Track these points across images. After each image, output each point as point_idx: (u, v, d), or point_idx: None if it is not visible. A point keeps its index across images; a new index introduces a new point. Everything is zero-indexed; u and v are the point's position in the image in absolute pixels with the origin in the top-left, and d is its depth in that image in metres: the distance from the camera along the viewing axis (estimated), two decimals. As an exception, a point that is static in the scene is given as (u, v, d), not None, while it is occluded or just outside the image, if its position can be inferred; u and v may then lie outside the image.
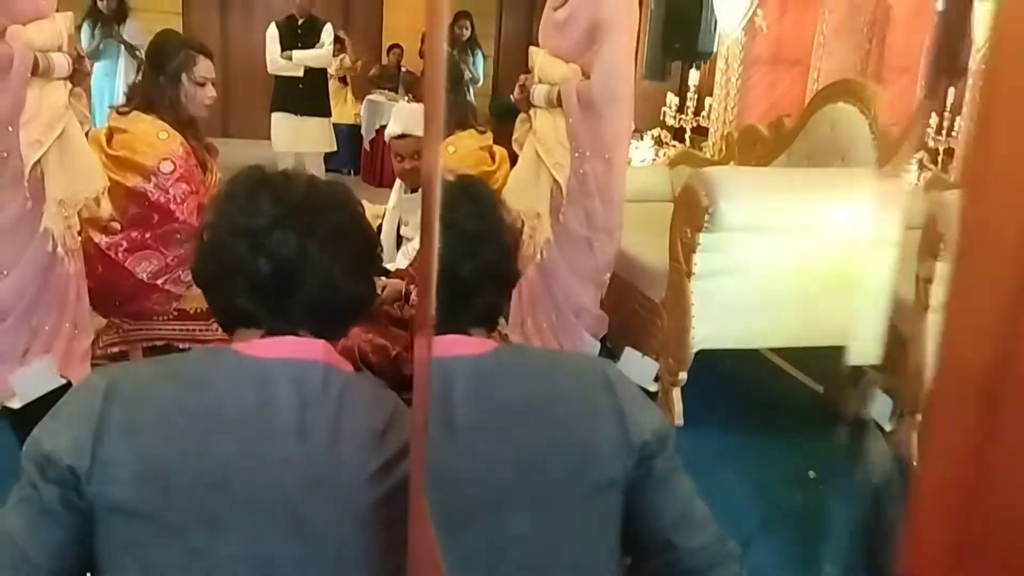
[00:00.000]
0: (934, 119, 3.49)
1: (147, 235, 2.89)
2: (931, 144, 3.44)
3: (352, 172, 7.89)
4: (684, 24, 5.59)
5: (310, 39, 5.60)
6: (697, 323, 2.74)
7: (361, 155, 7.87)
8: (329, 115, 5.95)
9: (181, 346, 3.07)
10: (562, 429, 1.09)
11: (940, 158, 3.56)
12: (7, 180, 2.26)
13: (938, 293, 2.28)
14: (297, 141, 5.71)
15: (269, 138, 5.75)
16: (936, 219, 2.28)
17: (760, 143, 3.49)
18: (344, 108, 7.74)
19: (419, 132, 3.65)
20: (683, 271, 2.74)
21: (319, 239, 1.08)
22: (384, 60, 8.56)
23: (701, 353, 2.80)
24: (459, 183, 1.31)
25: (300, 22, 5.60)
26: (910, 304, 2.33)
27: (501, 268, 1.23)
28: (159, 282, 2.93)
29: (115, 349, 2.97)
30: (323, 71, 5.82)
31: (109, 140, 2.88)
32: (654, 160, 4.68)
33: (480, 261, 1.18)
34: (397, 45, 8.51)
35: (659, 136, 4.80)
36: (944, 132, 3.47)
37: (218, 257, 1.10)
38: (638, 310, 3.03)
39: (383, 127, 7.46)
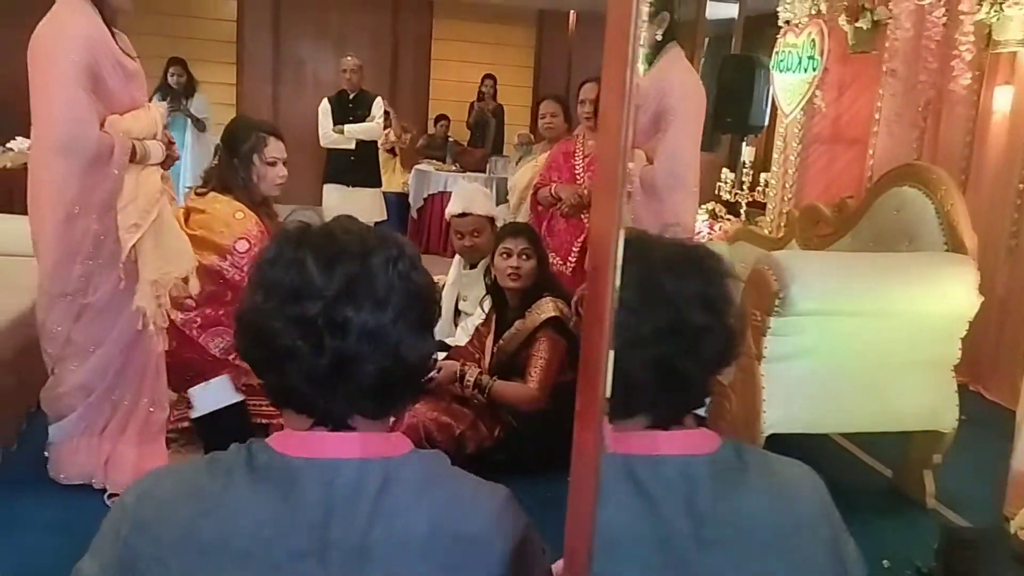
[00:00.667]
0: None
1: (220, 312, 2.94)
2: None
3: (399, 239, 8.00)
4: (736, 99, 5.66)
5: (361, 113, 5.75)
6: (768, 407, 2.71)
7: (409, 222, 7.98)
8: (380, 185, 6.08)
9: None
10: (797, 556, 1.02)
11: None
12: (104, 261, 2.33)
13: None
14: (350, 211, 5.75)
15: (319, 204, 5.86)
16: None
17: (823, 223, 3.49)
18: (393, 177, 7.89)
19: (478, 210, 3.72)
20: (753, 354, 2.72)
21: (379, 310, 0.96)
22: (431, 130, 8.74)
23: (771, 437, 2.77)
24: (687, 251, 1.12)
25: (351, 97, 5.76)
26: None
27: (728, 356, 1.09)
28: (231, 358, 2.97)
29: (186, 423, 3.01)
30: (373, 143, 5.96)
31: (187, 219, 2.96)
32: (708, 234, 4.70)
33: (707, 354, 1.06)
34: (444, 116, 8.70)
35: (713, 210, 4.82)
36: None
37: (267, 343, 0.97)
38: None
39: (431, 195, 7.61)
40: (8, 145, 5.79)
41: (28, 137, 5.76)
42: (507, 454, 2.95)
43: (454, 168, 7.89)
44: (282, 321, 0.95)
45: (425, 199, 7.67)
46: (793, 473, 1.12)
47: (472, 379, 2.97)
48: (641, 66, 3.01)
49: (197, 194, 3.06)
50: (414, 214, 7.84)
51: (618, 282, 0.76)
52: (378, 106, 5.82)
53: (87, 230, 2.33)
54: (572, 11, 9.52)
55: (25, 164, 5.30)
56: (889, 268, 2.79)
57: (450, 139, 8.52)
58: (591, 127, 3.96)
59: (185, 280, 2.55)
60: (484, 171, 7.86)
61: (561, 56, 9.74)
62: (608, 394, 0.77)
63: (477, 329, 3.45)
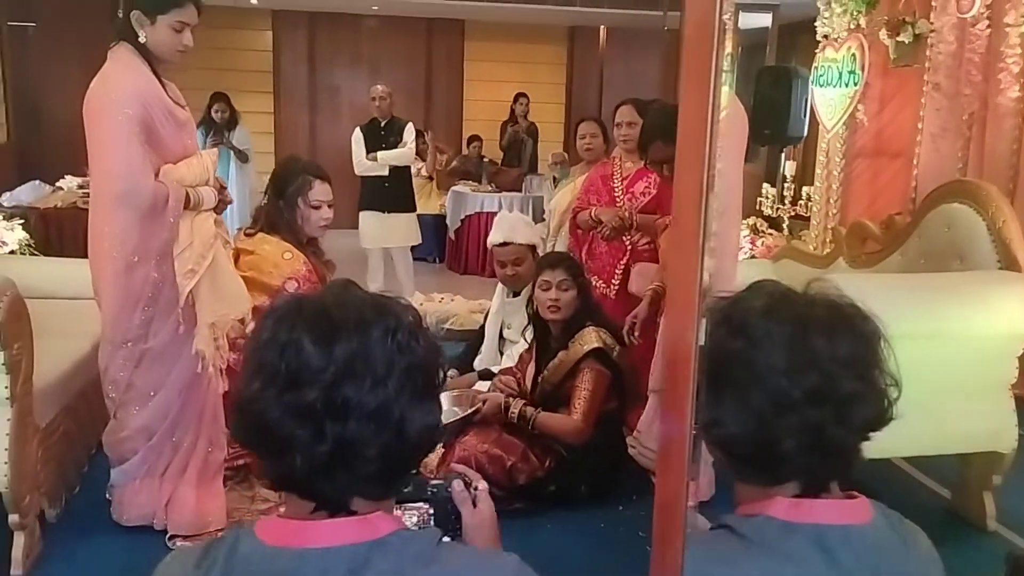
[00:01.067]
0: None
1: (272, 351, 2.98)
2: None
3: (437, 260, 8.05)
4: (774, 110, 5.62)
5: (393, 139, 5.80)
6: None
7: (446, 244, 8.03)
8: (414, 210, 6.11)
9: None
10: None
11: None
12: (162, 307, 2.38)
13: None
14: (385, 237, 5.87)
15: (355, 227, 5.91)
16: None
17: (871, 240, 3.45)
18: (429, 200, 7.96)
19: (519, 239, 3.73)
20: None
21: (379, 387, 0.92)
22: (465, 151, 8.79)
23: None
24: (838, 311, 1.07)
25: (382, 124, 5.82)
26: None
27: (881, 422, 1.06)
28: None
29: (240, 462, 3.05)
30: (407, 168, 6.01)
31: (237, 261, 3.01)
32: (751, 249, 4.66)
33: (858, 420, 1.03)
34: (476, 137, 8.76)
35: (755, 224, 4.79)
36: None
37: (265, 432, 0.94)
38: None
39: (467, 216, 7.66)
40: (58, 184, 5.93)
41: (76, 176, 5.94)
42: (558, 485, 2.95)
43: (490, 188, 7.93)
44: (280, 410, 0.92)
45: (462, 220, 7.72)
46: (924, 540, 1.12)
47: (516, 411, 2.98)
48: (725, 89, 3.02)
49: (246, 235, 3.11)
50: (452, 235, 7.89)
51: (701, 339, 0.75)
52: (409, 131, 5.87)
53: (146, 278, 2.39)
54: (602, 26, 9.54)
55: (74, 203, 5.47)
56: (942, 288, 2.75)
57: (485, 159, 8.56)
58: (628, 149, 3.96)
59: (242, 321, 2.59)
60: (520, 190, 7.89)
61: (593, 71, 9.76)
62: (693, 477, 0.77)
63: (521, 356, 3.46)
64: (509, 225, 3.74)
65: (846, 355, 1.01)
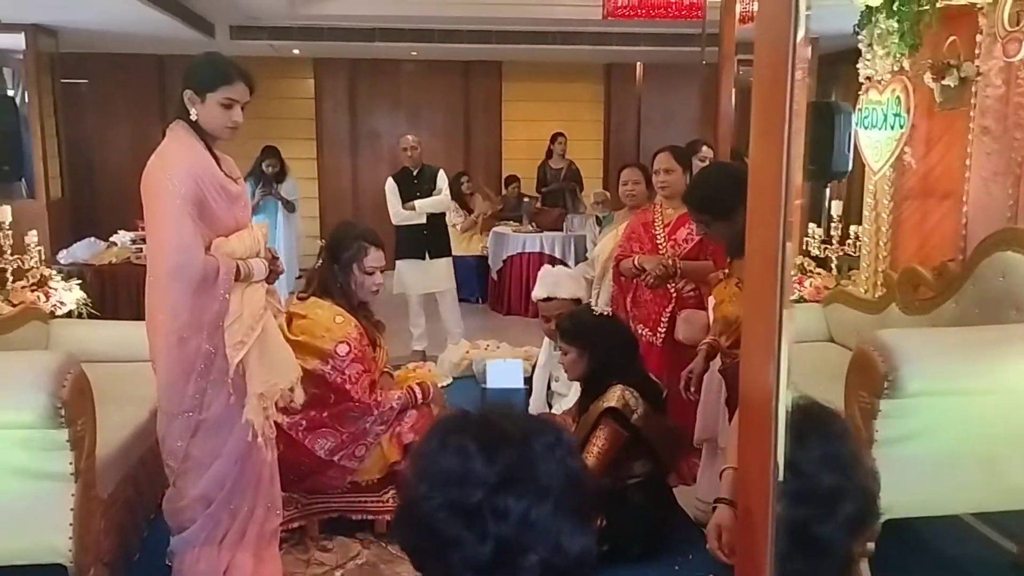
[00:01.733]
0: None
1: (324, 414, 3.03)
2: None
3: (480, 301, 8.08)
4: (817, 145, 5.58)
5: (427, 187, 5.87)
6: (883, 492, 2.62)
7: (489, 284, 8.07)
8: (451, 254, 6.17)
9: (354, 517, 3.16)
10: None
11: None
12: (214, 378, 2.43)
13: None
14: (426, 283, 5.93)
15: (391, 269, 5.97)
16: None
17: (923, 286, 3.40)
18: (471, 242, 8.02)
19: (563, 294, 3.74)
20: (863, 437, 2.65)
21: (540, 498, 0.97)
22: (503, 192, 8.85)
23: (889, 520, 2.68)
24: (803, 411, 1.09)
25: (414, 172, 5.89)
26: None
27: (868, 517, 1.09)
28: (335, 458, 3.05)
29: (295, 524, 3.08)
30: (442, 214, 6.08)
31: (289, 324, 3.07)
32: (799, 290, 4.61)
33: (842, 517, 1.05)
34: (515, 177, 8.82)
35: (802, 264, 4.74)
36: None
37: (430, 532, 0.98)
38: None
39: (509, 257, 7.70)
40: (111, 240, 6.08)
41: (129, 231, 6.09)
42: (610, 544, 2.93)
43: (531, 228, 7.96)
44: (446, 510, 0.97)
45: (504, 261, 7.75)
46: None
47: None
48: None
49: (299, 299, 3.17)
50: (494, 276, 7.93)
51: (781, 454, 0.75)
52: (442, 178, 5.94)
53: (198, 349, 2.43)
54: (639, 63, 9.58)
55: (128, 259, 5.60)
56: (1001, 342, 2.69)
57: (526, 199, 8.60)
58: (667, 196, 3.97)
59: (291, 391, 2.63)
60: (561, 230, 7.92)
61: (630, 107, 9.80)
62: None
63: (566, 412, 3.47)
64: (552, 280, 3.76)
65: (818, 454, 1.04)
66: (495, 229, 8.00)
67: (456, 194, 8.16)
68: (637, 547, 2.98)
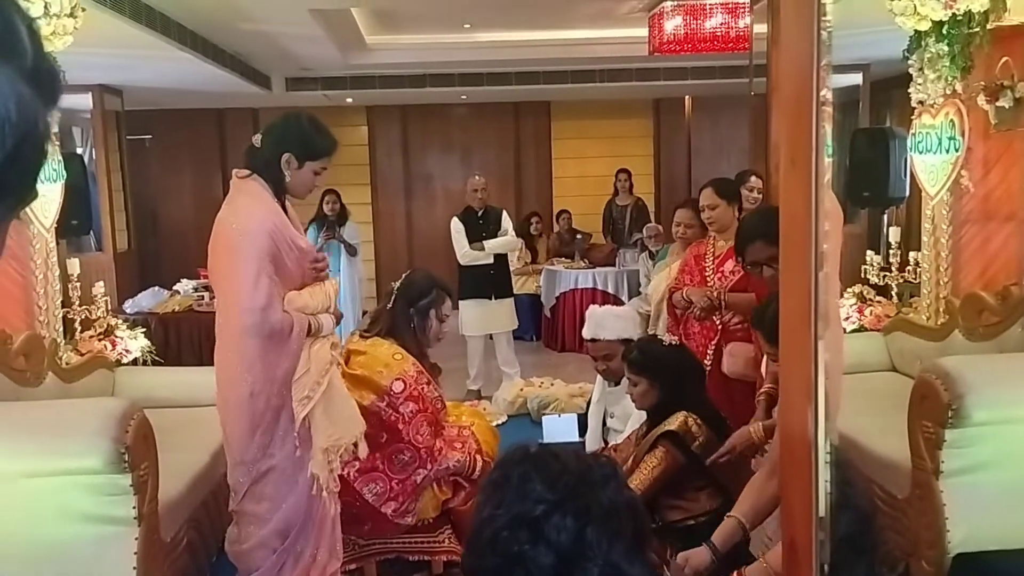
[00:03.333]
0: None
1: (376, 455, 3.03)
2: None
3: (534, 338, 8.08)
4: (872, 171, 5.50)
5: (492, 228, 5.91)
6: (952, 525, 2.54)
7: (542, 322, 8.07)
8: (513, 295, 6.19)
9: (411, 558, 3.15)
10: None
11: None
12: (281, 430, 2.47)
13: None
14: (489, 323, 5.94)
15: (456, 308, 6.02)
16: None
17: (987, 312, 3.30)
18: (525, 281, 8.04)
19: (607, 336, 3.68)
20: (928, 468, 2.57)
21: (597, 521, 1.06)
22: (555, 226, 8.86)
23: (960, 555, 2.58)
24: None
25: (479, 213, 5.94)
26: None
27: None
28: (384, 508, 3.02)
29: (352, 566, 3.09)
30: (506, 255, 6.11)
31: (347, 361, 3.11)
32: (859, 319, 4.51)
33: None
34: (565, 211, 8.83)
35: (861, 293, 4.64)
36: None
37: (497, 550, 1.07)
38: (879, 505, 2.85)
39: (562, 294, 7.70)
40: (175, 288, 6.27)
41: (192, 279, 6.27)
42: None
43: (583, 264, 7.96)
44: (509, 528, 1.06)
45: (557, 298, 7.75)
46: None
47: None
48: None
49: (362, 336, 3.22)
50: (547, 313, 7.93)
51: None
52: (506, 219, 5.99)
53: (268, 403, 2.46)
54: (687, 96, 9.59)
55: (190, 307, 5.76)
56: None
57: (579, 235, 8.61)
58: (716, 231, 3.96)
59: (355, 446, 2.66)
60: (613, 265, 7.90)
61: (680, 141, 9.79)
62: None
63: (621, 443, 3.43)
64: (596, 321, 3.72)
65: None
66: (547, 267, 8.02)
67: (524, 234, 8.25)
68: None
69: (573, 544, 1.04)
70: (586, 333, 3.73)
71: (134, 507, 2.40)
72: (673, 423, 2.87)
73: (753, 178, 4.79)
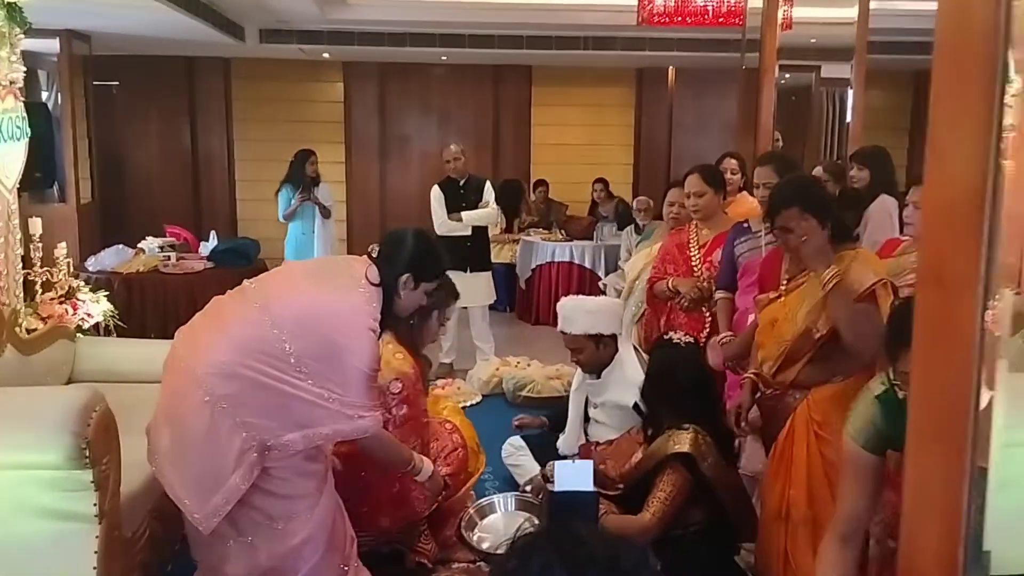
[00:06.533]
0: None
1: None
2: None
3: (508, 310, 7.99)
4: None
5: (473, 198, 5.76)
6: None
7: (517, 293, 7.97)
8: (492, 268, 6.07)
9: (384, 550, 3.07)
10: None
11: None
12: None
13: None
14: (466, 296, 5.79)
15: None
16: None
17: None
18: (500, 250, 7.91)
19: (575, 330, 3.50)
20: None
21: None
22: (532, 197, 8.72)
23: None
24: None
25: (461, 183, 5.78)
26: None
27: None
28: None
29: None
30: (485, 227, 5.97)
31: None
32: None
33: None
34: (542, 181, 8.69)
35: None
36: None
37: None
38: None
39: (539, 266, 7.59)
40: (139, 246, 6.05)
41: (158, 236, 6.06)
42: None
43: (560, 236, 7.86)
44: None
45: (533, 270, 7.65)
46: None
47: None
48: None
49: None
50: (522, 285, 7.83)
51: None
52: (489, 191, 5.83)
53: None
54: (671, 67, 9.44)
55: (155, 267, 5.56)
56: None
57: (553, 201, 8.48)
58: (700, 219, 3.87)
59: None
60: (591, 239, 7.80)
61: (662, 112, 9.65)
62: None
63: (617, 443, 3.36)
64: (564, 315, 3.59)
65: None
66: (524, 237, 7.91)
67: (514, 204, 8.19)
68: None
69: None
70: (558, 325, 3.63)
71: (95, 504, 2.27)
72: (684, 443, 2.79)
73: (728, 160, 4.73)
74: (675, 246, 4.00)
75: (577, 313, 3.57)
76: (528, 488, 3.57)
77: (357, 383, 2.27)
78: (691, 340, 3.19)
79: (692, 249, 3.93)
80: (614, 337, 3.61)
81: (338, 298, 2.34)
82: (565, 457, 3.66)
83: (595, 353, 3.53)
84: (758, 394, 2.89)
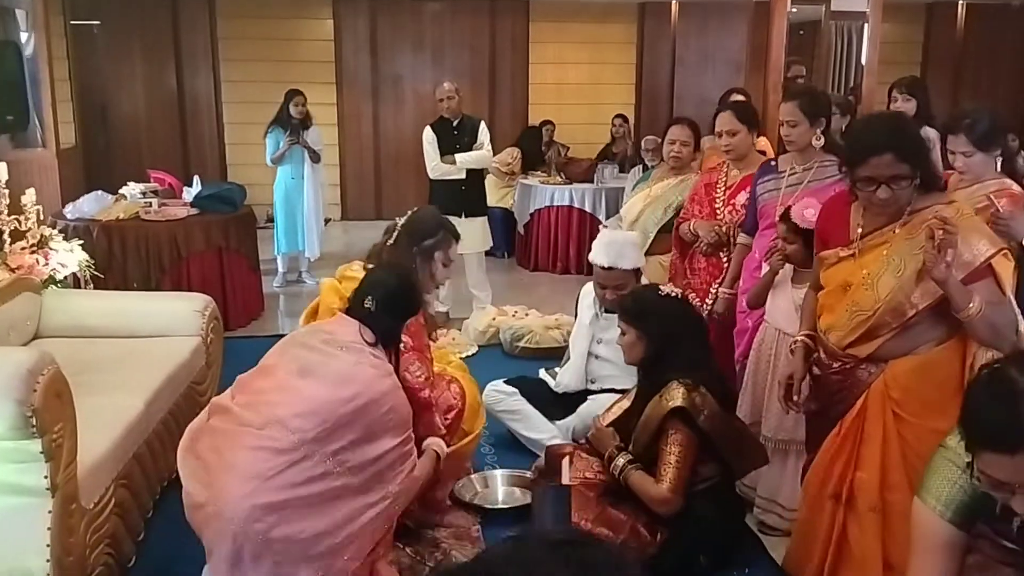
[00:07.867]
0: None
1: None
2: None
3: (506, 255, 7.75)
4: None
5: (467, 140, 5.48)
6: None
7: (515, 238, 7.73)
8: (486, 213, 5.81)
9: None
10: None
11: None
12: None
13: None
14: (460, 243, 5.58)
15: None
16: None
17: None
18: (497, 192, 7.64)
19: (626, 265, 3.36)
20: None
21: None
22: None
23: None
24: None
25: (454, 124, 5.49)
26: None
27: None
28: None
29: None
30: (480, 171, 5.70)
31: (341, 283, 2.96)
32: None
33: None
34: (549, 121, 8.35)
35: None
36: None
37: None
38: None
39: (537, 211, 7.33)
40: (120, 192, 5.78)
41: (139, 182, 5.80)
42: (676, 559, 2.65)
43: (560, 180, 7.58)
44: None
45: (531, 215, 7.39)
46: None
47: (618, 466, 2.72)
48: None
49: (365, 268, 2.90)
50: (520, 229, 7.59)
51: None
52: (483, 132, 5.54)
53: None
54: (674, 1, 9.05)
55: (136, 215, 5.31)
56: None
57: (555, 143, 8.17)
58: (733, 159, 3.60)
59: None
60: (591, 181, 7.52)
61: (664, 49, 9.30)
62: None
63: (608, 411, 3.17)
64: (616, 250, 3.40)
65: None
66: (522, 180, 7.63)
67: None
68: (705, 559, 2.69)
69: None
70: (600, 260, 3.40)
71: (46, 476, 2.07)
72: (676, 398, 2.59)
73: (735, 95, 4.44)
74: (704, 186, 3.78)
75: (628, 248, 3.45)
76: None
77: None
78: (677, 294, 2.92)
79: (719, 191, 3.70)
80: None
81: (360, 386, 2.31)
82: (570, 410, 3.52)
83: (633, 287, 3.35)
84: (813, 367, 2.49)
